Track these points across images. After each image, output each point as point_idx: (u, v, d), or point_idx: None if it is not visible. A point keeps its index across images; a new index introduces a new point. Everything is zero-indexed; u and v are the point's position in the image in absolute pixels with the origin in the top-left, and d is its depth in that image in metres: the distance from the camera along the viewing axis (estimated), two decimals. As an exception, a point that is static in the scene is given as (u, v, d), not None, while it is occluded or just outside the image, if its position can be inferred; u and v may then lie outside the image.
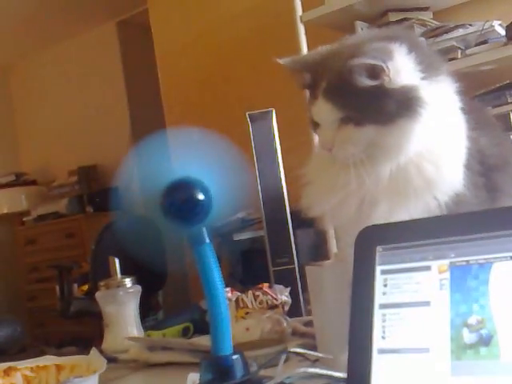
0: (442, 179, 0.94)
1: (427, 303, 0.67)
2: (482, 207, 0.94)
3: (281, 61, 1.04)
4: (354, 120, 0.94)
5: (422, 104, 0.92)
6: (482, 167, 0.97)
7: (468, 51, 2.50)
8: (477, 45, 2.51)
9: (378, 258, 0.71)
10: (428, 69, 0.95)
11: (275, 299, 1.45)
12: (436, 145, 0.94)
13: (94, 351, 1.15)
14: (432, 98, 0.93)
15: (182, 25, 4.02)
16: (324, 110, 0.97)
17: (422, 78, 0.93)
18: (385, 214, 0.95)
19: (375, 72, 0.91)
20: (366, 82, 0.92)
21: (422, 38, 1.12)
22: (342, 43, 1.03)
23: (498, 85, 2.45)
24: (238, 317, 1.41)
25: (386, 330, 0.68)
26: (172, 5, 4.07)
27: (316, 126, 1.01)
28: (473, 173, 0.96)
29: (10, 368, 1.10)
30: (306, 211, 1.06)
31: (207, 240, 0.90)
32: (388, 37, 0.97)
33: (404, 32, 1.04)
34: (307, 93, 1.02)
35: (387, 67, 0.91)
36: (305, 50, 2.73)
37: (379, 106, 0.92)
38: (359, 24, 2.83)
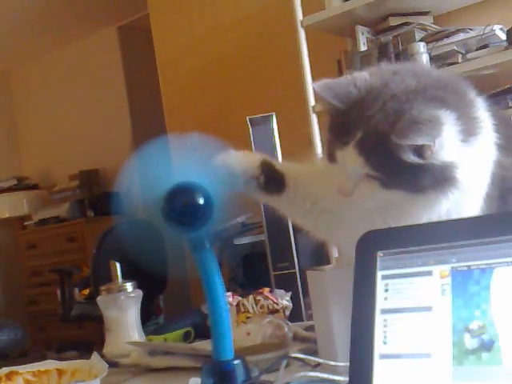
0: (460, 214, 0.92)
1: (429, 308, 0.67)
2: None
3: (315, 85, 0.95)
4: (382, 181, 0.90)
5: (456, 184, 0.88)
6: (499, 190, 0.95)
7: (469, 55, 2.50)
8: (477, 49, 2.52)
9: (379, 263, 0.71)
10: (468, 134, 0.90)
11: (276, 304, 1.45)
12: (467, 188, 0.91)
13: (95, 355, 1.15)
14: (467, 172, 0.89)
15: (183, 30, 4.03)
16: (352, 161, 0.91)
17: (461, 147, 0.89)
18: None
19: (422, 148, 0.86)
20: (411, 158, 0.86)
21: (464, 82, 1.02)
22: (384, 82, 0.93)
23: (498, 89, 2.45)
24: (239, 321, 1.41)
25: (387, 335, 0.68)
26: (173, 10, 4.08)
27: (333, 160, 0.95)
28: (490, 198, 0.94)
29: (11, 372, 1.10)
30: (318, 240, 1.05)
31: (208, 245, 0.90)
32: (437, 98, 0.90)
33: (450, 86, 0.95)
34: (329, 118, 0.96)
35: (434, 145, 0.86)
36: (305, 54, 2.73)
37: (414, 177, 0.88)
38: (360, 28, 2.84)
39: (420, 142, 0.85)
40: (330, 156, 0.95)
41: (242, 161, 1.05)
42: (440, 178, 0.88)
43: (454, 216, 0.91)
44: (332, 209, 1.03)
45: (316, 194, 1.04)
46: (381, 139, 0.87)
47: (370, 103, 0.90)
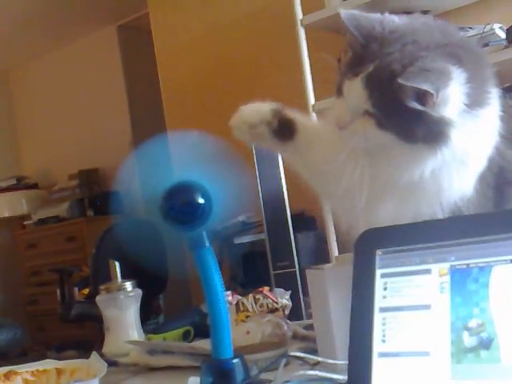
0: (453, 188, 0.92)
1: (427, 306, 0.67)
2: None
3: (343, 13, 0.95)
4: (379, 120, 0.90)
5: (448, 142, 0.88)
6: (496, 180, 0.94)
7: (468, 54, 2.50)
8: (477, 48, 2.51)
9: (377, 262, 0.71)
10: (475, 102, 0.89)
11: (276, 302, 1.45)
12: (464, 155, 0.91)
13: (94, 355, 1.15)
14: (462, 137, 0.89)
15: (183, 29, 4.03)
16: (356, 94, 0.91)
17: (464, 111, 0.88)
18: (390, 211, 0.94)
19: (424, 95, 0.86)
20: (411, 102, 0.86)
21: (487, 58, 1.02)
22: (411, 28, 0.93)
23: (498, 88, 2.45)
24: (239, 320, 1.41)
25: (386, 333, 0.68)
26: (172, 9, 4.08)
27: (340, 94, 0.95)
28: (484, 183, 0.94)
29: (10, 372, 1.10)
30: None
31: (207, 243, 0.90)
32: (455, 55, 0.90)
33: (473, 52, 0.96)
34: (349, 52, 0.96)
35: (437, 95, 0.85)
36: (305, 53, 2.73)
37: (410, 124, 0.88)
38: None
39: (424, 87, 0.85)
40: (338, 89, 0.96)
41: (255, 109, 1.06)
42: (434, 132, 0.88)
43: (440, 179, 0.91)
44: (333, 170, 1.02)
45: (324, 154, 1.04)
46: (389, 77, 0.88)
47: (390, 42, 0.91)
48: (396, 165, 0.92)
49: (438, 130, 0.88)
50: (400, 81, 0.85)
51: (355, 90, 0.91)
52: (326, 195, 1.09)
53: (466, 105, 0.88)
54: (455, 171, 0.91)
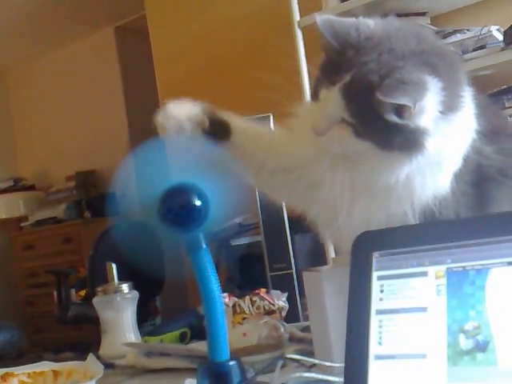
0: (426, 190, 0.93)
1: (424, 309, 0.67)
2: (464, 212, 0.94)
3: (318, 18, 0.97)
4: (356, 129, 0.91)
5: (423, 151, 0.89)
6: (474, 176, 0.96)
7: (466, 56, 2.50)
8: (474, 50, 2.51)
9: (374, 264, 0.71)
10: (449, 107, 0.90)
11: (272, 304, 1.45)
12: (437, 157, 0.92)
13: (91, 357, 1.15)
14: (437, 143, 0.90)
15: (180, 30, 4.02)
16: (334, 103, 0.92)
17: (439, 118, 0.89)
18: (363, 213, 0.95)
19: (402, 108, 0.87)
20: (390, 116, 0.87)
21: (461, 61, 1.03)
22: (386, 35, 0.93)
23: (495, 90, 2.45)
24: (235, 322, 1.41)
25: (382, 335, 0.68)
26: (170, 10, 4.08)
27: (316, 98, 0.96)
28: (461, 181, 0.95)
29: (6, 374, 1.10)
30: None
31: (204, 245, 0.90)
32: (430, 64, 0.90)
33: (447, 58, 0.96)
34: (324, 56, 0.97)
35: (414, 107, 0.87)
36: (302, 55, 2.73)
37: (387, 134, 0.89)
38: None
39: (402, 101, 0.86)
40: (315, 94, 0.97)
41: (184, 109, 1.06)
42: (410, 141, 0.89)
43: (414, 182, 0.92)
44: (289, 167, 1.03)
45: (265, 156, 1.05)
46: (366, 89, 0.88)
47: (366, 50, 0.91)
48: (373, 170, 0.93)
49: (414, 139, 0.89)
50: (379, 96, 0.86)
51: (332, 99, 0.92)
52: (276, 190, 1.10)
53: (440, 112, 0.90)
54: (429, 174, 0.93)
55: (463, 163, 0.95)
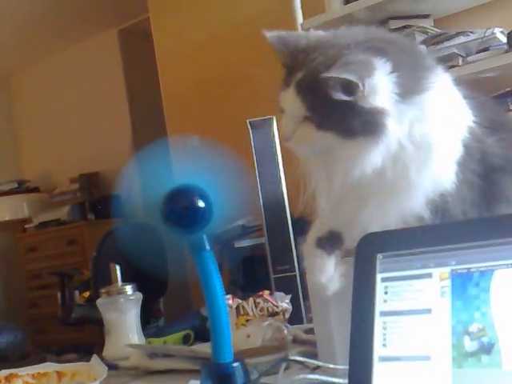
0: (424, 179, 0.92)
1: (428, 311, 0.66)
2: (472, 208, 0.94)
3: (267, 34, 1.00)
4: (317, 122, 0.92)
5: (385, 130, 0.89)
6: (481, 167, 0.95)
7: (469, 58, 2.50)
8: (478, 52, 2.51)
9: (378, 266, 0.71)
10: (407, 91, 0.91)
11: (276, 306, 1.45)
12: (422, 142, 0.92)
13: (94, 358, 1.15)
14: (404, 125, 0.90)
15: (183, 33, 4.03)
16: (291, 102, 0.95)
17: (397, 101, 0.90)
18: (351, 212, 0.96)
19: (350, 87, 0.88)
20: (339, 95, 0.89)
21: (419, 48, 1.05)
22: (334, 35, 0.98)
23: (499, 92, 2.45)
24: (239, 324, 1.41)
25: (386, 337, 0.68)
26: (173, 13, 4.08)
27: (282, 112, 0.98)
28: (468, 171, 0.94)
29: (11, 375, 1.10)
30: None
31: (208, 247, 0.90)
32: (377, 48, 0.92)
33: (397, 44, 0.98)
34: (284, 72, 0.99)
35: (363, 85, 0.88)
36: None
37: (344, 119, 0.90)
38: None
39: (346, 76, 0.87)
40: (280, 109, 0.99)
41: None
42: (369, 123, 0.89)
43: (404, 172, 0.92)
44: None
45: None
46: (316, 79, 0.91)
47: (315, 50, 0.95)
48: (344, 162, 0.93)
49: (373, 121, 0.89)
50: (323, 75, 0.88)
51: (289, 98, 0.95)
52: None
53: (397, 94, 0.90)
54: (417, 161, 0.92)
55: (465, 150, 0.94)
